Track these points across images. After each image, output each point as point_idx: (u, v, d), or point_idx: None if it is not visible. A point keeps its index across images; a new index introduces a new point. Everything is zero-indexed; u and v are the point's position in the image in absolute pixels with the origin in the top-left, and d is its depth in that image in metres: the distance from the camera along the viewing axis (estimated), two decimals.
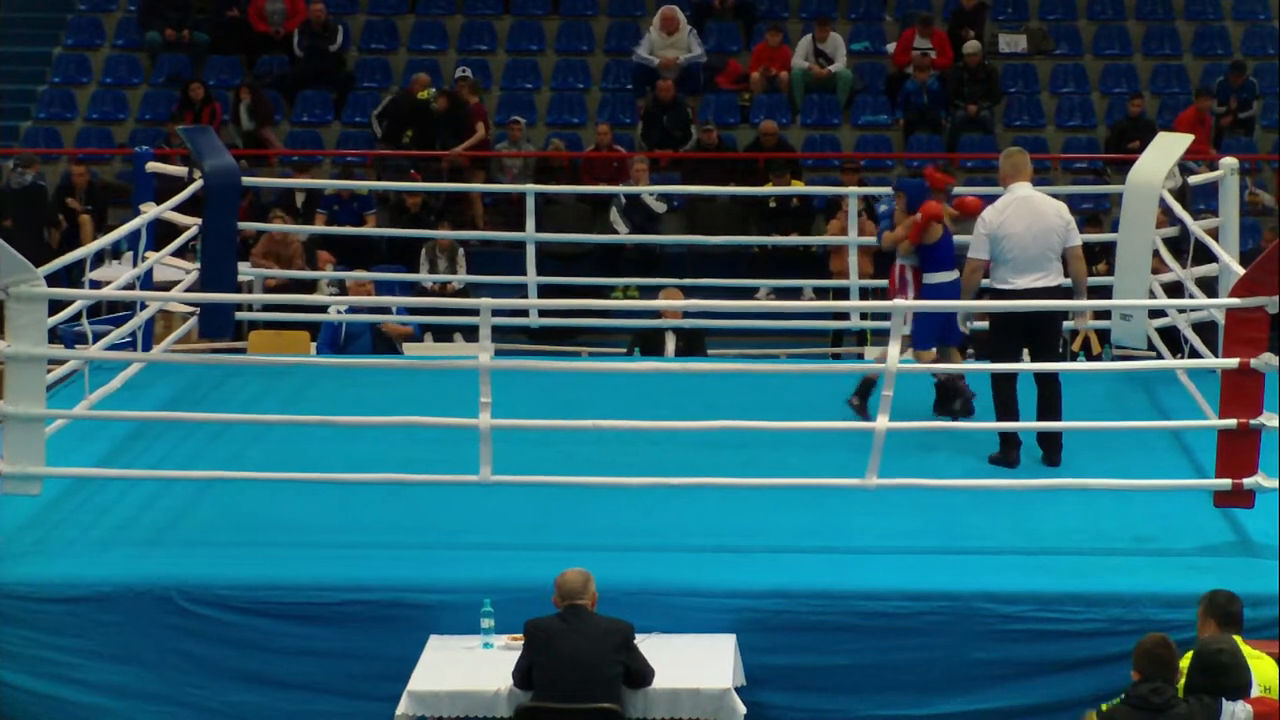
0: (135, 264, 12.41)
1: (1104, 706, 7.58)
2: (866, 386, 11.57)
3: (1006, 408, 10.66)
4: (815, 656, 8.86)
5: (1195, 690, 7.43)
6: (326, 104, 21.99)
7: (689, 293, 14.62)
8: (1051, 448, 10.70)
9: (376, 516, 9.86)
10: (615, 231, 18.85)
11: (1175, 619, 8.52)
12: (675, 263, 19.05)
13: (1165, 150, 12.96)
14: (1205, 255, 12.64)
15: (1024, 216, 10.77)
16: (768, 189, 18.73)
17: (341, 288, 16.65)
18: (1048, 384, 10.72)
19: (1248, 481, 9.41)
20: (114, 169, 20.93)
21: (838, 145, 21.43)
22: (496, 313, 9.81)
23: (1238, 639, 7.83)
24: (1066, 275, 10.83)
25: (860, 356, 16.07)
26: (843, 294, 14.44)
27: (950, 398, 11.41)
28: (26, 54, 22.60)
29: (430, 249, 18.16)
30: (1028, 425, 10.59)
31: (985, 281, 10.99)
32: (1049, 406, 10.70)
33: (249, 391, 12.36)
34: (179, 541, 9.55)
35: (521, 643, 8.32)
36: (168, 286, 13.12)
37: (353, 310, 14.56)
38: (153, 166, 13.31)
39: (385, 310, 14.76)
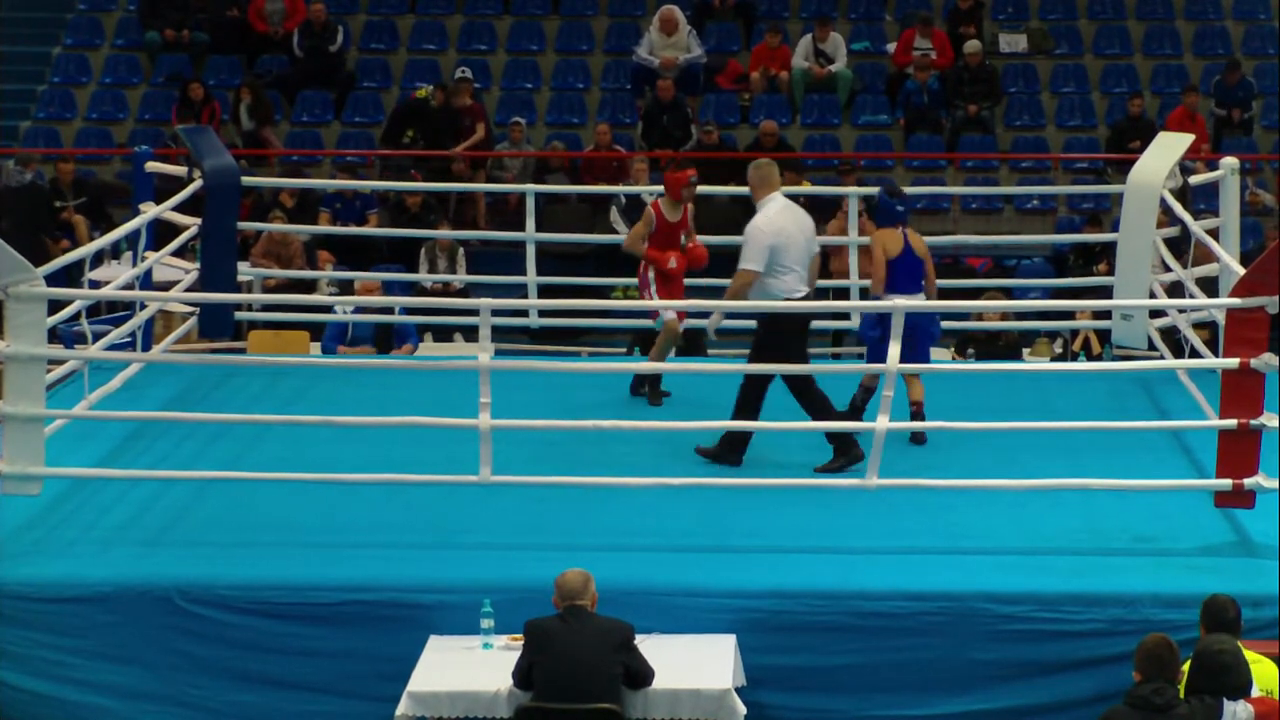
0: (135, 264, 12.41)
1: None
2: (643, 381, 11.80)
3: (750, 408, 10.61)
4: (815, 656, 8.86)
5: (1196, 690, 7.43)
6: (326, 104, 21.99)
7: (689, 293, 14.60)
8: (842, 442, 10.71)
9: (376, 516, 9.86)
10: (615, 231, 18.84)
11: (1175, 619, 8.51)
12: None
13: (1166, 150, 12.97)
14: (1205, 255, 12.65)
15: (797, 227, 10.78)
16: None
17: (341, 288, 16.64)
18: (808, 385, 10.71)
19: (1248, 482, 9.40)
20: (114, 169, 20.93)
21: (838, 145, 21.43)
22: (496, 313, 9.80)
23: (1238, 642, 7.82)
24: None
25: (860, 356, 16.06)
26: (842, 294, 14.43)
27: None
28: (26, 54, 22.60)
29: (430, 249, 18.17)
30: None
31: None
32: (814, 404, 10.68)
33: (249, 391, 12.36)
34: (179, 542, 9.55)
35: (521, 643, 8.32)
36: (167, 286, 13.12)
37: (358, 310, 14.55)
38: (152, 166, 13.31)
39: (388, 310, 14.74)
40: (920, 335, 11.21)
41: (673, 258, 11.92)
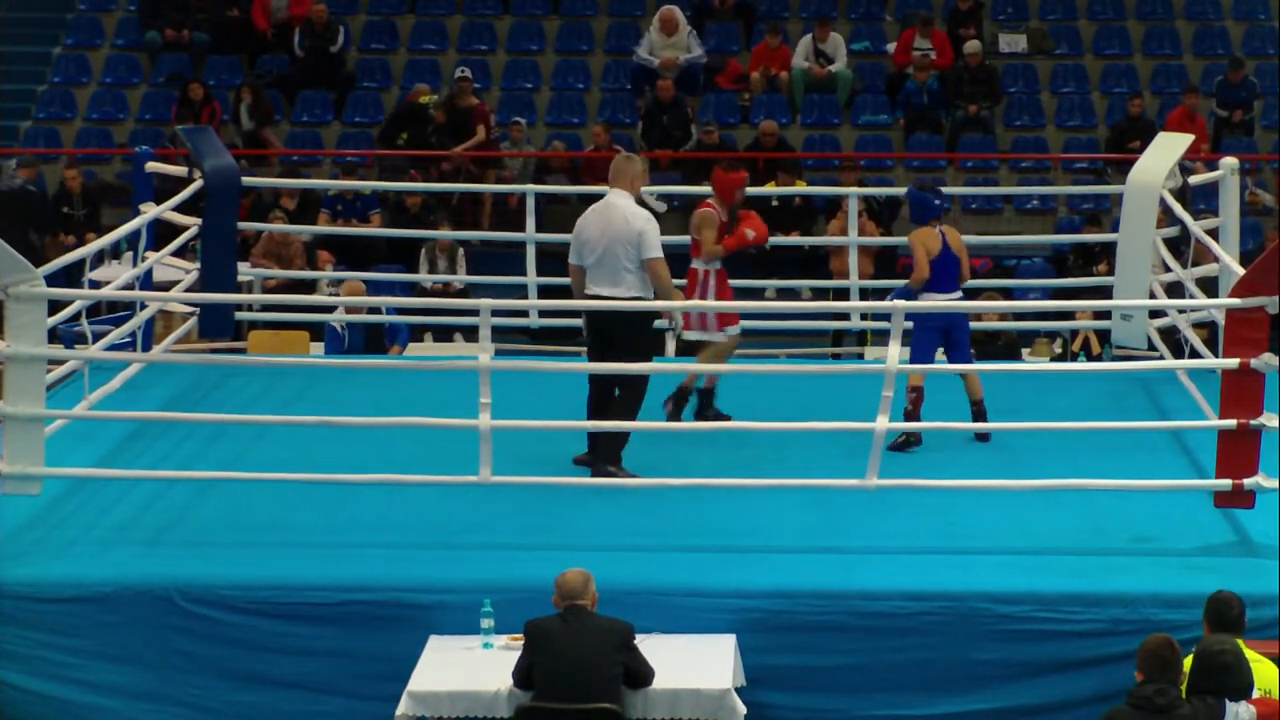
0: (135, 264, 12.41)
1: None
2: (682, 394, 11.45)
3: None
4: (815, 656, 8.85)
5: (1198, 691, 7.42)
6: (326, 104, 22.00)
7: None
8: (596, 446, 10.49)
9: (376, 516, 9.86)
10: None
11: (1176, 619, 8.51)
12: (675, 263, 19.00)
13: (1165, 150, 12.97)
14: (1205, 255, 12.65)
15: (598, 223, 10.53)
16: (769, 189, 18.72)
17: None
18: (604, 387, 10.51)
19: (1248, 482, 9.40)
20: (114, 169, 20.93)
21: (838, 145, 21.43)
22: (496, 313, 9.80)
23: (1239, 642, 7.81)
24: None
25: (860, 356, 16.09)
26: (842, 294, 14.43)
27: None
28: (26, 54, 22.60)
29: (430, 249, 18.18)
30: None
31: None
32: (601, 406, 10.48)
33: (249, 392, 12.36)
34: (179, 542, 9.54)
35: (521, 643, 8.32)
36: (168, 286, 13.12)
37: (349, 312, 14.55)
38: (152, 166, 13.31)
39: (379, 311, 14.74)
40: (960, 332, 11.27)
41: (748, 229, 11.53)
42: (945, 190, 19.79)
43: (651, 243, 10.49)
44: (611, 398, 10.48)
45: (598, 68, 22.64)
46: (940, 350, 11.45)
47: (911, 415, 11.11)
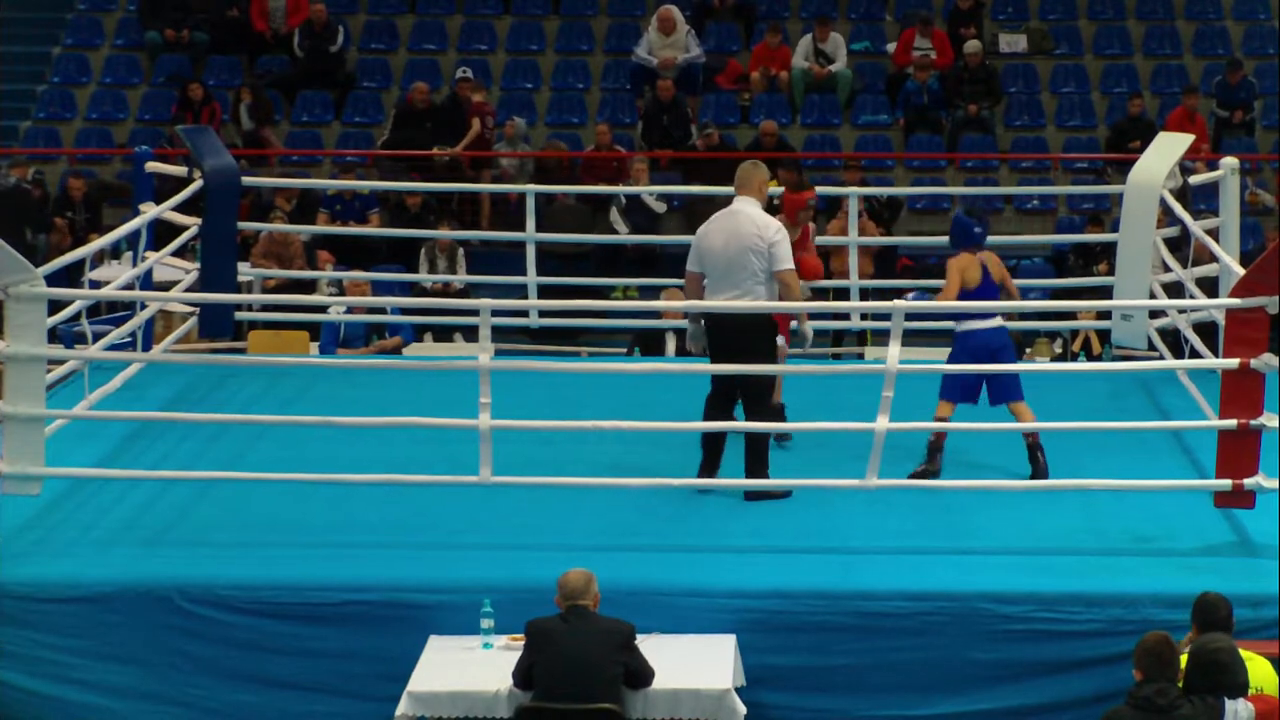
0: (135, 264, 12.41)
1: None
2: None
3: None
4: (815, 656, 8.86)
5: (1196, 689, 7.43)
6: (326, 104, 21.99)
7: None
8: (712, 462, 10.35)
9: (376, 516, 9.86)
10: (615, 231, 18.87)
11: (1176, 619, 8.49)
12: (675, 263, 19.00)
13: (1166, 150, 12.97)
14: (1205, 255, 12.66)
15: (723, 232, 10.32)
16: (769, 189, 18.67)
17: (341, 288, 16.66)
18: (727, 393, 10.32)
19: (1248, 482, 9.40)
20: (114, 169, 20.93)
21: (838, 145, 21.43)
22: (496, 313, 9.80)
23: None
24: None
25: (860, 356, 16.08)
26: (843, 294, 14.42)
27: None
28: (26, 54, 22.60)
29: (430, 249, 18.18)
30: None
31: None
32: (723, 413, 10.31)
33: (249, 391, 12.36)
34: (179, 542, 9.55)
35: (521, 643, 8.32)
36: (168, 286, 13.12)
37: (351, 311, 14.57)
38: (152, 166, 13.31)
39: (383, 310, 14.75)
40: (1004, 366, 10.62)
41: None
42: (945, 190, 19.93)
43: (783, 254, 10.29)
44: (742, 404, 10.30)
45: (598, 68, 22.64)
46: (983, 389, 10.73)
47: (935, 447, 10.72)
